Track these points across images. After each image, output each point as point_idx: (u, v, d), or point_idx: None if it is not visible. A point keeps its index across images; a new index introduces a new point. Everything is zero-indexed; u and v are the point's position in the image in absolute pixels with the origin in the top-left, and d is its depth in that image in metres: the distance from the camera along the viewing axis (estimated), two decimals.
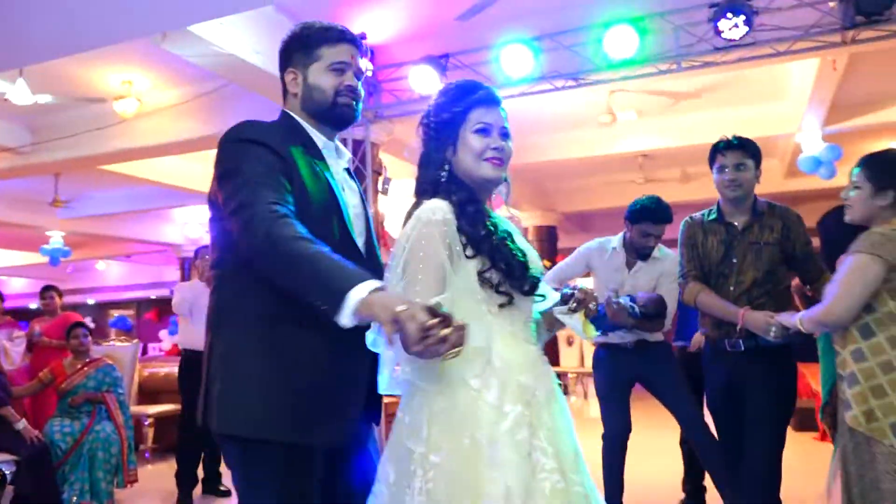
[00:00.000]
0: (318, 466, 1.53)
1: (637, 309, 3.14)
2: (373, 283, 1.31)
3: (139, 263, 16.74)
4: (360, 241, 1.66)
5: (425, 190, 1.60)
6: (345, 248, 1.53)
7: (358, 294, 1.29)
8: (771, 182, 9.70)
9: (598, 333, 3.11)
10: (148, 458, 6.19)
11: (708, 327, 2.82)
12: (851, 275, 2.20)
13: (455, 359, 1.28)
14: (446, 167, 1.59)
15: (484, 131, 1.58)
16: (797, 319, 2.37)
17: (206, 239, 13.10)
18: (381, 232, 6.17)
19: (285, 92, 1.75)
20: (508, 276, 1.48)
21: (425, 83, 4.65)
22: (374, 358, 1.51)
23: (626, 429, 3.45)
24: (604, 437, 3.48)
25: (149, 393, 6.55)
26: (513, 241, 1.56)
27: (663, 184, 10.37)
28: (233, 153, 1.55)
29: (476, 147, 1.57)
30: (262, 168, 1.50)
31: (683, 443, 4.02)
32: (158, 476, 5.43)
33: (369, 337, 1.44)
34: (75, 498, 4.36)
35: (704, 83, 6.44)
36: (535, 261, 1.59)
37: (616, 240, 3.56)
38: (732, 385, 2.74)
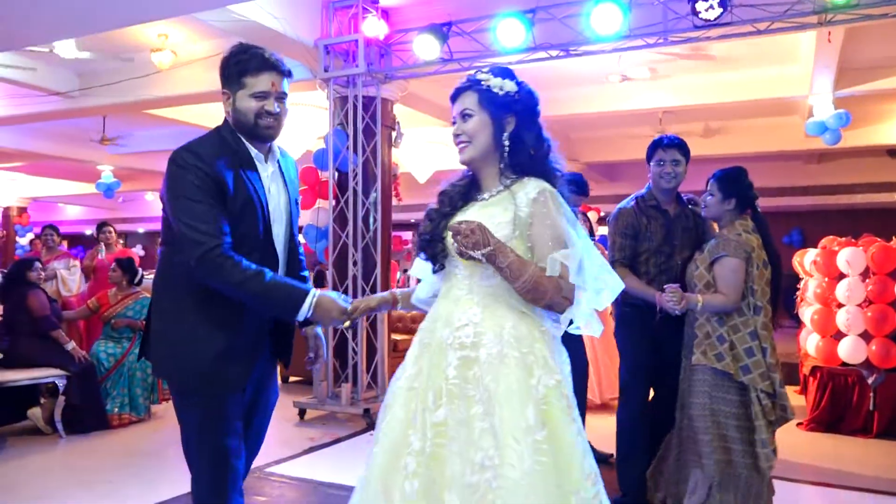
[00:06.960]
0: (233, 404, 1.96)
1: None
2: (308, 298, 1.90)
3: None
4: (279, 230, 2.07)
5: None
6: (266, 243, 2.01)
7: (304, 310, 1.90)
8: (792, 139, 9.75)
9: None
10: None
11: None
12: (734, 275, 2.86)
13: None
14: None
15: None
16: (699, 303, 2.88)
17: None
18: (394, 183, 6.59)
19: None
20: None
21: (427, 50, 5.00)
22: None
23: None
24: None
25: None
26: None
27: (685, 138, 10.45)
28: (176, 177, 1.90)
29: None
30: (199, 195, 1.86)
31: None
32: None
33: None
34: (116, 409, 5.10)
35: (718, 44, 6.56)
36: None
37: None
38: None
